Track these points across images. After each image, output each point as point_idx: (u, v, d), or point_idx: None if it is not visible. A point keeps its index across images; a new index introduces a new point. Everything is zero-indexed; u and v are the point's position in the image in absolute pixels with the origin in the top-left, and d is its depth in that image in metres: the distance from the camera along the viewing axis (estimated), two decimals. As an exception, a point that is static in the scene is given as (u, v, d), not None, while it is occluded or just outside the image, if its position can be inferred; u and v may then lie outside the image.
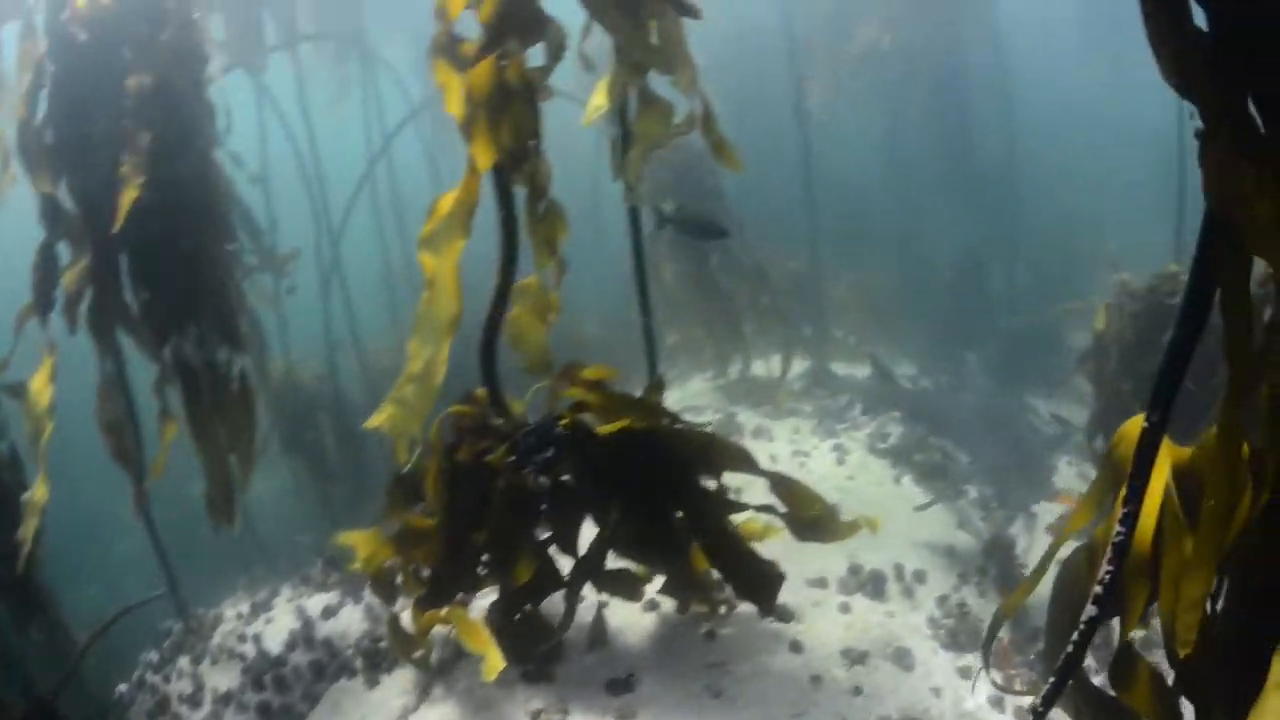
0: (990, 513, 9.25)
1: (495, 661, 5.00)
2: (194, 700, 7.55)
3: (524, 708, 5.30)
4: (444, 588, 5.62)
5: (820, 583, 6.82)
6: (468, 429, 5.58)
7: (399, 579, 6.04)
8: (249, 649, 7.36)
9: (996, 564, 8.11)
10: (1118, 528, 3.07)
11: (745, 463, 5.75)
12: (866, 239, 16.04)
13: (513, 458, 5.38)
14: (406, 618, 5.93)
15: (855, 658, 5.86)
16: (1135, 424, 3.74)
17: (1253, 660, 2.94)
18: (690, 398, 11.02)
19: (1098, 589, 3.19)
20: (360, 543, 5.89)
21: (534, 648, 5.63)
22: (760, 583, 5.81)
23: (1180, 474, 3.65)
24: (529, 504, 5.52)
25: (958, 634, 6.82)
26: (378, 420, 5.20)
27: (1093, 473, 10.05)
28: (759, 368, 11.73)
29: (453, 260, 5.00)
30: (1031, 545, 8.57)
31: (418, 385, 5.07)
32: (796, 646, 6.05)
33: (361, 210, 13.42)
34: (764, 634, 6.12)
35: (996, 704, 6.29)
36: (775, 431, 9.87)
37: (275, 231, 11.67)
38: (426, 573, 5.76)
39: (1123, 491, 3.40)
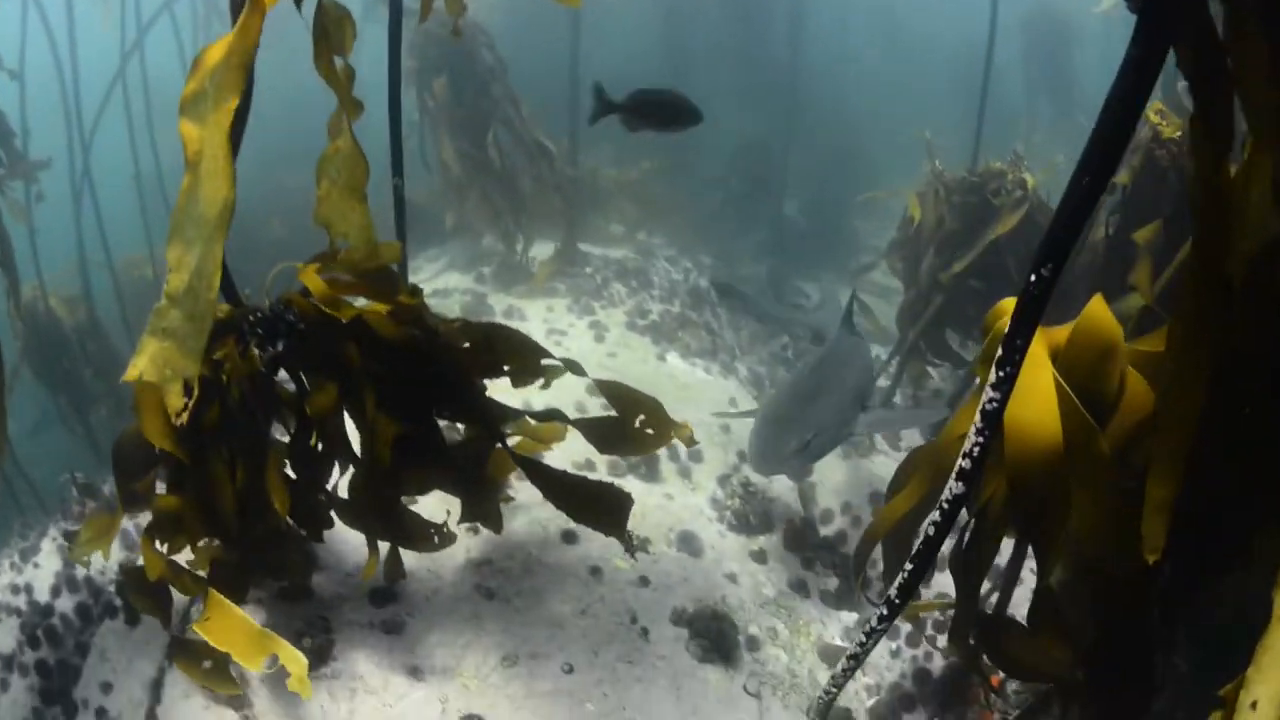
0: (763, 391, 9.08)
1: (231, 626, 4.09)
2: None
3: (286, 628, 4.60)
4: (180, 523, 4.45)
5: (588, 466, 6.36)
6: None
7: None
8: (21, 601, 6.36)
9: (775, 440, 7.92)
10: (990, 394, 2.72)
11: (535, 355, 4.83)
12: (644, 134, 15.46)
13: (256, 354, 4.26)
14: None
15: (637, 545, 5.39)
16: (1009, 303, 3.60)
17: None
18: (440, 279, 10.35)
19: (964, 463, 2.85)
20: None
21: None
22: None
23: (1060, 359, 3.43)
24: (268, 410, 4.48)
25: (746, 515, 6.45)
26: (138, 368, 3.56)
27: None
28: (533, 250, 11.14)
29: (223, 129, 3.50)
30: (809, 421, 8.40)
31: (185, 307, 3.50)
32: (570, 537, 5.55)
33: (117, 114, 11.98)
34: (532, 525, 5.63)
35: (799, 588, 6.07)
36: (528, 311, 9.24)
37: (28, 137, 10.25)
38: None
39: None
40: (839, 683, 3.75)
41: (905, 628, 5.85)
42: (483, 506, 5.01)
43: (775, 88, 15.17)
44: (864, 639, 3.47)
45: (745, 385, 8.93)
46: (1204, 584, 3.21)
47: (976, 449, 2.74)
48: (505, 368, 4.72)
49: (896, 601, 3.25)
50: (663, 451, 6.85)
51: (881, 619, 3.34)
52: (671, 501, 6.41)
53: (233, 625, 3.99)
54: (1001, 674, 5.29)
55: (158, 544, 4.36)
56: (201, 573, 4.41)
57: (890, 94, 18.77)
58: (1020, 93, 18.88)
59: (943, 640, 5.41)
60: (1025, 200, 7.45)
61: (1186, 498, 2.89)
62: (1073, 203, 2.34)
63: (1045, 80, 19.05)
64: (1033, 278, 2.43)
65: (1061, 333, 3.59)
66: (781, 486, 7.25)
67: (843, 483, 7.58)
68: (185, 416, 3.57)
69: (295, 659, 3.85)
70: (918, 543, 3.08)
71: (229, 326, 4.18)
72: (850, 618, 6.11)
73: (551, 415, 5.00)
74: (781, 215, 14.56)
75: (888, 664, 5.57)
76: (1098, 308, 3.51)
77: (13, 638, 6.00)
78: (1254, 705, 2.28)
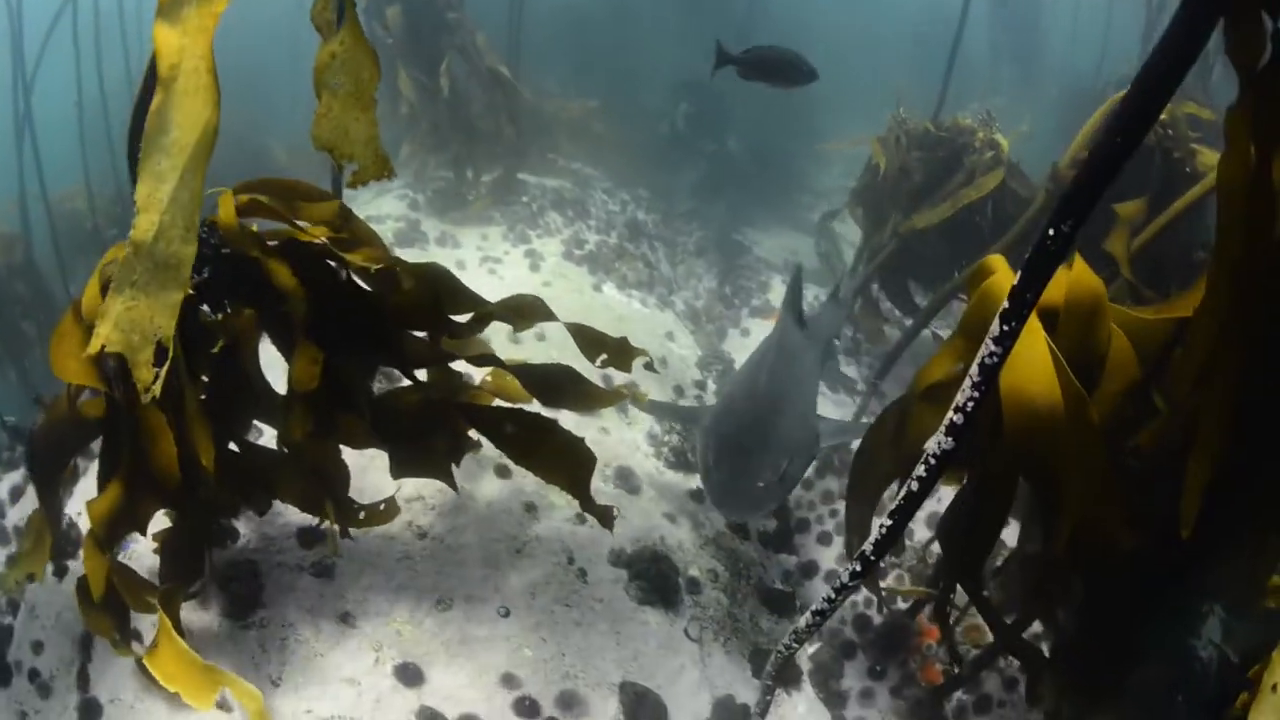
0: (700, 326, 8.91)
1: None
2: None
3: (212, 574, 4.30)
4: (125, 506, 3.80)
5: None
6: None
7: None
8: (-47, 552, 5.89)
9: (715, 378, 7.78)
10: (990, 348, 2.53)
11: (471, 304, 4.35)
12: (586, 69, 15.15)
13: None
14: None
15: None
16: (998, 260, 3.65)
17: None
18: (375, 204, 9.97)
19: (955, 417, 2.67)
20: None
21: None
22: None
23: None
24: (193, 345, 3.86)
25: (684, 453, 6.26)
26: (100, 338, 3.01)
27: (810, 292, 10.10)
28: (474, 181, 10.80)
29: (207, 34, 2.99)
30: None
31: (156, 254, 2.95)
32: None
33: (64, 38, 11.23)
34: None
35: (739, 530, 5.86)
36: (462, 239, 8.93)
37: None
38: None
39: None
40: (801, 638, 3.59)
41: (843, 573, 5.76)
42: (423, 462, 4.57)
43: (724, 27, 14.83)
44: (833, 595, 3.31)
45: (682, 318, 8.74)
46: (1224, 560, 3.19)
47: (971, 404, 2.55)
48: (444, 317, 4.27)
49: (872, 558, 3.08)
50: (598, 381, 6.63)
51: (854, 575, 3.18)
52: (607, 436, 6.18)
53: (181, 659, 3.55)
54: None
55: (101, 542, 3.76)
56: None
57: (850, 45, 18.46)
58: (984, 56, 18.81)
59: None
60: (1000, 163, 7.30)
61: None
62: (1101, 161, 2.15)
63: (1011, 46, 19.01)
64: (1050, 232, 2.24)
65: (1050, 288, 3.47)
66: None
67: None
68: (158, 388, 3.09)
69: (249, 694, 3.50)
70: (897, 499, 2.91)
71: None
72: (790, 560, 6.00)
73: (487, 360, 4.44)
74: (723, 153, 14.30)
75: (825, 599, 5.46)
76: (1083, 268, 3.45)
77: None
78: (1275, 688, 2.30)
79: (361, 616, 4.27)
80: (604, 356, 4.74)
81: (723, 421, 5.25)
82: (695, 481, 6.09)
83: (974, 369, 2.53)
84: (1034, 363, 3.16)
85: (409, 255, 8.20)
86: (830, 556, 6.01)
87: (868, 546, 3.07)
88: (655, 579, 4.88)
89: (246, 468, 4.21)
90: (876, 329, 8.20)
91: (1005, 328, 2.42)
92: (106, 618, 3.78)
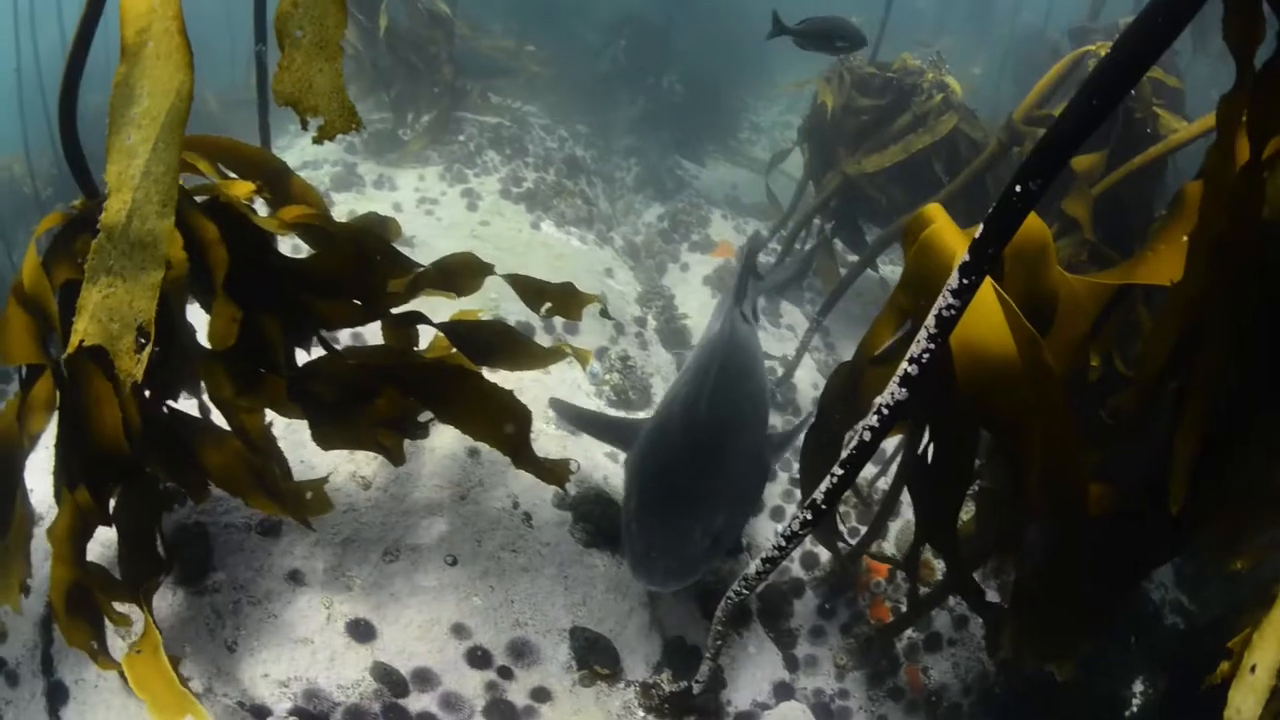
0: (639, 262, 8.82)
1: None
2: None
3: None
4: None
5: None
6: (63, 233, 3.54)
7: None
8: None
9: (655, 314, 7.72)
10: (948, 300, 2.47)
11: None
12: (525, 5, 14.73)
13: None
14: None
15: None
16: (935, 210, 3.55)
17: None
18: (310, 149, 9.70)
19: (909, 368, 2.63)
20: None
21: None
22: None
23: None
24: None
25: (625, 391, 6.21)
26: (79, 334, 2.77)
27: (749, 227, 10.11)
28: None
29: None
30: (688, 296, 8.20)
31: (132, 234, 2.72)
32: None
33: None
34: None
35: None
36: (399, 180, 8.72)
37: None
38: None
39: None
40: (751, 584, 3.57)
41: (789, 509, 5.78)
42: (348, 430, 4.14)
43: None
44: (783, 543, 3.29)
45: (621, 255, 8.64)
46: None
47: (926, 355, 2.51)
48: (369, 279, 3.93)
49: (823, 507, 3.06)
50: (537, 322, 6.56)
51: (804, 524, 3.15)
52: (549, 375, 6.08)
53: (160, 674, 3.38)
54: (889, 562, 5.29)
55: (69, 547, 3.54)
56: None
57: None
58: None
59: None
60: (950, 105, 7.24)
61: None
62: (1073, 121, 2.09)
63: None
64: (1017, 189, 2.19)
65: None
66: (661, 360, 7.06)
67: (721, 356, 7.43)
68: (140, 371, 2.81)
69: None
70: (849, 448, 2.88)
71: (85, 220, 3.48)
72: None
73: (409, 319, 4.07)
74: (662, 88, 14.06)
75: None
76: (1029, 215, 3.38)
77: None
78: (1253, 669, 2.35)
79: (311, 574, 4.19)
80: (548, 305, 4.50)
81: (651, 456, 4.45)
82: (637, 419, 6.06)
83: (930, 321, 2.48)
84: (983, 309, 3.10)
85: (346, 200, 8.07)
86: (776, 493, 6.02)
87: (818, 495, 3.04)
88: (601, 521, 4.82)
89: (174, 435, 3.89)
90: (830, 267, 8.16)
91: (964, 281, 2.37)
92: (82, 628, 3.61)
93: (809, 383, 7.22)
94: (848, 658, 4.93)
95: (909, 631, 5.03)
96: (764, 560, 3.43)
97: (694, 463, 4.29)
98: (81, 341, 2.79)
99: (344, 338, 5.39)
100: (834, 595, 5.17)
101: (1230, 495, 3.12)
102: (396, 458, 4.28)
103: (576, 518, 4.83)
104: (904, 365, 2.59)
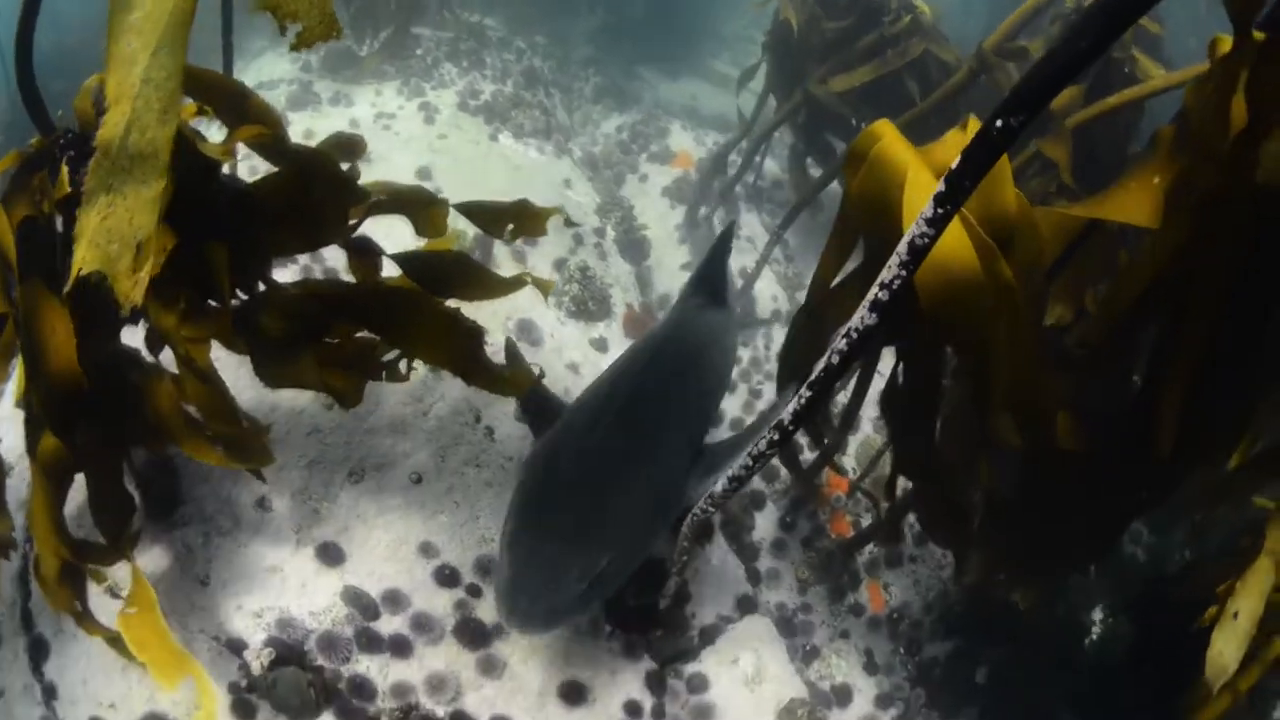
0: (598, 173, 8.68)
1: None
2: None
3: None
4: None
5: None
6: (19, 172, 3.35)
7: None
8: None
9: (614, 225, 7.64)
10: (922, 229, 2.45)
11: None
12: None
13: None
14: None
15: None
16: (884, 126, 3.46)
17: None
18: (267, 69, 9.43)
19: (880, 294, 2.61)
20: None
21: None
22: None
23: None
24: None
25: (584, 301, 6.12)
26: (79, 262, 2.59)
27: (708, 138, 9.98)
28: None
29: None
30: (647, 207, 8.11)
31: (130, 150, 2.58)
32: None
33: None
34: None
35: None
36: (355, 96, 8.44)
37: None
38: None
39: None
40: (717, 502, 3.60)
41: (747, 421, 5.81)
42: (290, 367, 3.85)
43: None
44: (750, 462, 3.30)
45: (580, 166, 8.52)
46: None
47: (897, 282, 2.50)
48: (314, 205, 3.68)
49: (789, 428, 3.07)
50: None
51: (771, 444, 3.17)
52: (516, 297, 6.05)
53: (157, 633, 3.29)
54: (850, 478, 5.35)
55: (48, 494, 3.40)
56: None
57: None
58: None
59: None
60: (919, 28, 7.10)
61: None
62: (1061, 60, 2.06)
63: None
64: (998, 124, 2.16)
65: (941, 152, 3.39)
66: (620, 270, 7.01)
67: (678, 265, 7.38)
68: (139, 295, 2.65)
69: (208, 692, 3.31)
70: (817, 369, 2.88)
71: (42, 158, 3.34)
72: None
73: (365, 248, 3.87)
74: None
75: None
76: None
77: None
78: (1236, 615, 2.43)
79: (278, 499, 4.17)
80: (510, 228, 4.32)
81: (544, 471, 3.82)
82: (596, 330, 6.02)
83: (902, 247, 2.46)
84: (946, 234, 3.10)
85: (302, 118, 7.88)
86: (736, 405, 6.04)
87: (786, 416, 3.05)
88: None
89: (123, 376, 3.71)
90: (802, 181, 8.07)
91: (939, 210, 2.34)
92: (66, 591, 3.49)
93: (768, 295, 7.22)
94: (809, 572, 4.99)
95: (869, 547, 5.10)
96: (730, 479, 3.45)
97: (586, 492, 3.69)
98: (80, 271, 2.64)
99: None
100: (794, 509, 5.23)
101: (1216, 440, 3.16)
102: (349, 400, 3.94)
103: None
104: (874, 291, 2.57)
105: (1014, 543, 3.69)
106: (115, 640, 3.39)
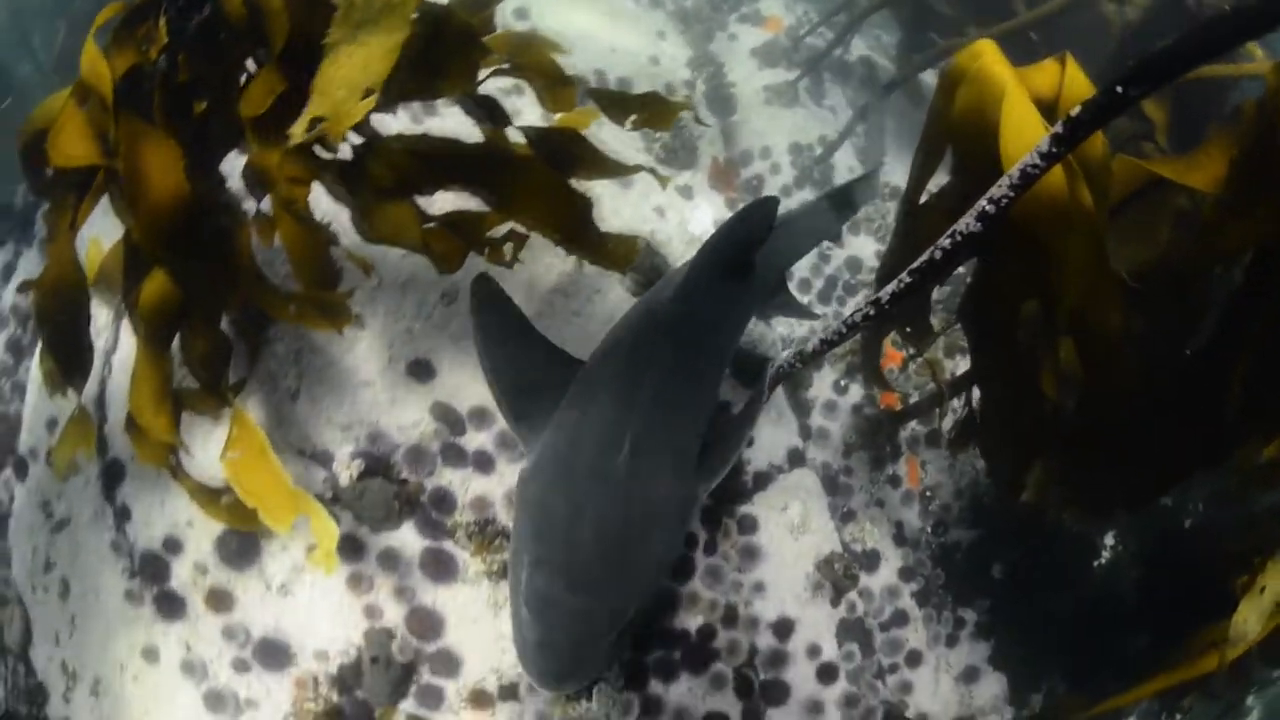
0: (689, 27, 8.53)
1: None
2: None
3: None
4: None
5: (517, 90, 5.45)
6: (125, 22, 3.24)
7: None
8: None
9: (706, 81, 7.55)
10: (1036, 160, 2.54)
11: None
12: None
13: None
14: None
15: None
16: (984, 44, 3.46)
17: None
18: None
19: (987, 206, 2.72)
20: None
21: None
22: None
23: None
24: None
25: (675, 150, 6.23)
26: (313, 111, 2.69)
27: (799, 6, 9.63)
28: None
29: None
30: (735, 65, 7.97)
31: (380, 8, 2.65)
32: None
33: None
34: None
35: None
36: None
37: None
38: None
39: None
40: (804, 360, 3.76)
41: (818, 285, 5.92)
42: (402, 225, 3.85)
43: None
44: (843, 329, 3.47)
45: (673, 19, 8.39)
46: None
47: (1005, 200, 2.65)
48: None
49: (886, 306, 3.23)
50: (591, 77, 6.49)
51: (865, 317, 3.34)
52: (602, 130, 6.06)
53: (268, 474, 3.26)
54: (905, 352, 5.46)
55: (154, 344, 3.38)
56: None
57: None
58: None
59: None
60: None
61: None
62: (1199, 43, 2.14)
63: None
64: (1118, 89, 2.27)
65: (1039, 77, 3.44)
66: (708, 122, 6.96)
67: (764, 128, 7.35)
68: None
69: (327, 531, 3.28)
70: (921, 259, 3.02)
71: (147, 8, 3.25)
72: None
73: (491, 109, 3.76)
74: None
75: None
76: (1075, 70, 3.42)
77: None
78: (1262, 590, 2.59)
79: (371, 318, 4.25)
80: (634, 118, 4.09)
81: (555, 498, 3.33)
82: (683, 179, 6.10)
83: (1015, 172, 2.61)
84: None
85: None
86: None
87: (885, 294, 3.19)
88: (648, 272, 4.86)
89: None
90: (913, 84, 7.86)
91: (1054, 150, 2.52)
92: (161, 443, 3.50)
93: (845, 166, 7.20)
94: (856, 436, 5.16)
95: (913, 423, 5.26)
96: (822, 340, 3.61)
97: (610, 531, 3.24)
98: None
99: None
100: (850, 374, 5.36)
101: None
102: (448, 264, 3.87)
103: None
104: (982, 203, 2.70)
105: (1071, 471, 3.80)
106: (199, 491, 3.53)
